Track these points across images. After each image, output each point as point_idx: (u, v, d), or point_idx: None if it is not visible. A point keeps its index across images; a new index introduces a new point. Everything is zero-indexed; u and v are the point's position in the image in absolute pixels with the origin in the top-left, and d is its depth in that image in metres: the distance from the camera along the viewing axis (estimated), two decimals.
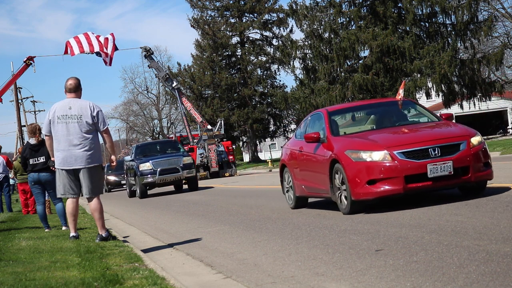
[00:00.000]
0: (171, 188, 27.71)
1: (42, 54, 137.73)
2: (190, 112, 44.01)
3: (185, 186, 26.77)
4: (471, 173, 8.75)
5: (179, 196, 22.48)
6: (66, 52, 34.78)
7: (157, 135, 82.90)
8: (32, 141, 11.55)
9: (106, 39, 35.62)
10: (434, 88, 39.29)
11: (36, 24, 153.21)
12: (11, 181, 27.11)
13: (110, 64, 34.95)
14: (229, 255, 7.21)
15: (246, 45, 62.63)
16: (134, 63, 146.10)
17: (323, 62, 40.63)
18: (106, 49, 34.70)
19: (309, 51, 42.11)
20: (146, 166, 23.77)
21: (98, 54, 34.76)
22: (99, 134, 8.64)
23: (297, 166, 11.05)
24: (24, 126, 53.75)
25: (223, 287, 5.67)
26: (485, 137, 46.08)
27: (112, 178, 39.44)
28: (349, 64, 41.65)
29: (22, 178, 16.04)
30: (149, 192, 25.49)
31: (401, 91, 16.48)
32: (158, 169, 23.57)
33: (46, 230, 11.55)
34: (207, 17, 63.01)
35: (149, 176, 23.58)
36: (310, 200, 11.66)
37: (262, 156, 76.33)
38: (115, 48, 35.89)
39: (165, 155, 25.06)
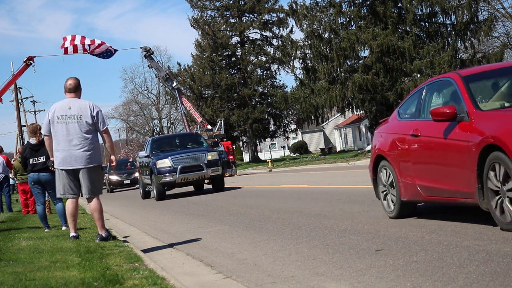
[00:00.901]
0: (189, 188, 24.88)
1: (42, 54, 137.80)
2: (190, 112, 44.03)
3: (208, 186, 23.80)
4: None
5: (179, 196, 22.45)
6: (63, 47, 35.24)
7: (157, 135, 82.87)
8: (33, 140, 11.55)
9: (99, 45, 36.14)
10: None
11: (36, 24, 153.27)
12: (11, 181, 27.10)
13: (113, 53, 35.56)
14: (229, 255, 7.21)
15: (246, 45, 62.64)
16: (134, 63, 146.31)
17: (323, 62, 40.63)
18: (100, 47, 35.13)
19: (309, 51, 42.13)
20: (164, 163, 20.31)
21: (96, 52, 35.06)
22: (99, 134, 8.64)
23: (407, 157, 7.83)
24: (24, 126, 53.74)
25: (223, 287, 5.67)
26: None
27: (114, 178, 37.94)
28: (349, 64, 41.66)
29: (22, 178, 16.03)
30: (168, 192, 22.34)
31: None
32: (179, 167, 20.12)
33: (46, 230, 11.54)
34: (207, 17, 63.03)
35: (167, 174, 20.16)
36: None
37: (262, 156, 76.33)
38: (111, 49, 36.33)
39: (186, 150, 21.39)
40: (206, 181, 21.86)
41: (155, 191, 20.52)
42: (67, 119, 8.44)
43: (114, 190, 38.10)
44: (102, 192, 8.89)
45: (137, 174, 37.48)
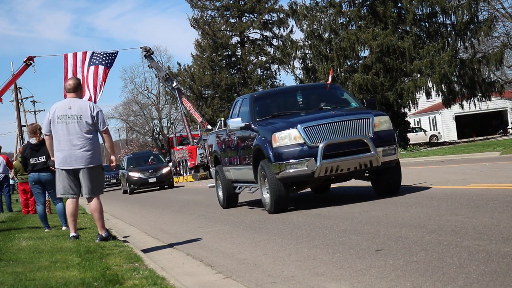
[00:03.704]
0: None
1: (41, 54, 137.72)
2: (190, 112, 44.02)
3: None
4: None
5: (179, 196, 22.45)
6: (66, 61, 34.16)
7: (157, 135, 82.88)
8: (33, 140, 11.56)
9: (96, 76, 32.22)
10: (434, 88, 39.29)
11: (35, 24, 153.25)
12: (11, 181, 27.10)
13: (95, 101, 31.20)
14: (229, 255, 7.21)
15: (246, 45, 62.64)
16: (134, 63, 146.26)
17: (323, 62, 40.61)
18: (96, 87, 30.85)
19: (309, 51, 42.10)
20: (288, 138, 10.50)
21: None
22: (99, 134, 8.65)
23: None
24: (24, 126, 53.75)
25: (223, 287, 5.68)
26: (485, 137, 46.16)
27: (135, 175, 30.90)
28: (349, 64, 41.63)
29: (22, 178, 16.04)
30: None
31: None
32: (321, 145, 10.25)
33: (46, 230, 11.55)
34: (207, 17, 63.00)
35: (296, 161, 10.39)
36: (310, 199, 11.46)
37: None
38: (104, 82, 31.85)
39: (326, 113, 11.30)
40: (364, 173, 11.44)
41: (266, 195, 10.89)
42: (68, 119, 8.45)
43: (135, 191, 31.05)
44: (103, 192, 8.89)
45: (164, 170, 31.16)
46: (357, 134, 10.44)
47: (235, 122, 11.71)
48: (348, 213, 9.30)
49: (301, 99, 12.60)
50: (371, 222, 8.07)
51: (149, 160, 33.79)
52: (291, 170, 10.33)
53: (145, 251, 8.25)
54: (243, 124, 11.59)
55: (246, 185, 12.44)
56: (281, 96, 13.10)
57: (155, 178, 30.84)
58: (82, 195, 8.81)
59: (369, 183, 11.63)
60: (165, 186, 31.97)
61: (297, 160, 10.29)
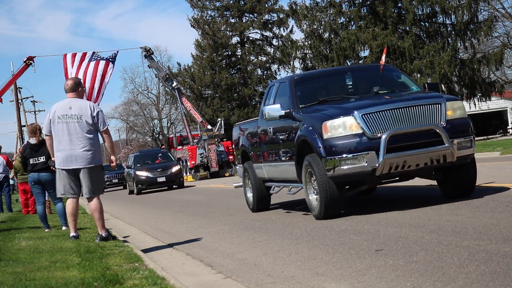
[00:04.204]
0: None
1: (41, 54, 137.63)
2: (190, 112, 44.01)
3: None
4: None
5: (179, 196, 22.45)
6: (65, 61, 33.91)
7: (157, 135, 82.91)
8: (33, 140, 11.56)
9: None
10: None
11: (35, 24, 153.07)
12: (11, 181, 27.09)
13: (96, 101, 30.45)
14: (229, 255, 7.21)
15: (246, 45, 62.65)
16: (134, 63, 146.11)
17: (323, 62, 40.62)
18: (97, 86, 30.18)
19: (309, 51, 42.12)
20: (343, 127, 8.74)
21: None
22: (99, 134, 8.66)
23: None
24: (24, 126, 53.74)
25: (223, 287, 5.68)
26: (485, 137, 46.16)
27: (143, 174, 28.78)
28: (349, 64, 41.65)
29: (22, 178, 16.03)
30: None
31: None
32: (384, 136, 8.54)
33: (46, 230, 11.55)
34: (207, 17, 63.02)
35: (351, 156, 8.60)
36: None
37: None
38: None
39: (384, 98, 9.63)
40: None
41: (312, 196, 9.21)
42: (68, 119, 8.46)
43: (143, 191, 29.09)
44: (103, 192, 8.89)
45: (174, 168, 28.89)
46: (427, 122, 8.59)
47: (274, 110, 9.86)
48: (348, 213, 9.25)
49: (350, 82, 10.57)
50: (371, 222, 8.06)
51: (158, 158, 31.37)
52: (346, 167, 8.47)
53: (145, 251, 8.25)
54: (282, 112, 9.75)
55: (283, 185, 10.73)
56: (326, 79, 11.14)
57: (164, 178, 28.79)
58: (82, 195, 8.82)
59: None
60: (174, 186, 29.69)
61: (353, 155, 8.44)
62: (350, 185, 9.16)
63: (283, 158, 10.10)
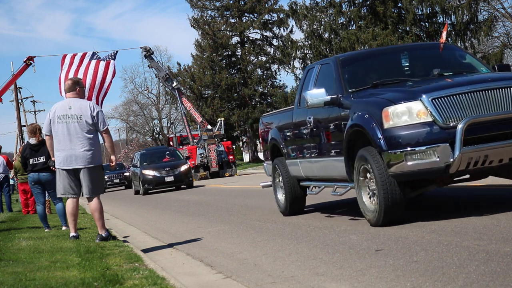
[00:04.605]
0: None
1: (41, 54, 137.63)
2: (190, 112, 44.00)
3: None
4: None
5: (179, 196, 22.46)
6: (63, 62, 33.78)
7: (157, 135, 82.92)
8: (32, 141, 11.56)
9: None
10: None
11: (35, 24, 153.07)
12: (11, 181, 27.10)
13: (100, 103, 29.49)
14: (229, 255, 7.21)
15: (246, 45, 62.65)
16: (134, 63, 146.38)
17: None
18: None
19: (309, 51, 42.11)
20: (416, 114, 7.18)
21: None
22: (99, 134, 8.66)
23: None
24: (24, 126, 53.76)
25: (223, 287, 5.68)
26: None
27: (150, 173, 27.31)
28: None
29: (22, 178, 16.03)
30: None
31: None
32: (460, 125, 7.00)
33: (46, 230, 11.55)
34: (207, 17, 63.04)
35: (422, 149, 7.04)
36: (308, 199, 10.62)
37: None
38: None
39: (456, 78, 8.35)
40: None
41: (367, 198, 7.79)
42: (68, 119, 8.47)
43: (149, 191, 27.48)
44: (103, 192, 8.90)
45: (183, 167, 27.44)
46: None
47: (317, 95, 8.31)
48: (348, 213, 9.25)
49: (407, 63, 9.01)
50: None
51: (165, 156, 29.78)
52: (412, 163, 6.96)
53: (145, 251, 8.25)
54: (328, 98, 8.23)
55: (325, 184, 9.20)
56: (378, 59, 9.42)
57: (172, 177, 27.22)
58: (82, 195, 8.82)
59: None
60: (183, 186, 28.27)
61: (422, 148, 6.93)
62: (416, 184, 7.58)
63: (326, 153, 8.58)
